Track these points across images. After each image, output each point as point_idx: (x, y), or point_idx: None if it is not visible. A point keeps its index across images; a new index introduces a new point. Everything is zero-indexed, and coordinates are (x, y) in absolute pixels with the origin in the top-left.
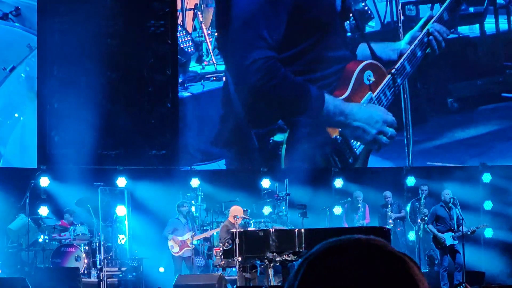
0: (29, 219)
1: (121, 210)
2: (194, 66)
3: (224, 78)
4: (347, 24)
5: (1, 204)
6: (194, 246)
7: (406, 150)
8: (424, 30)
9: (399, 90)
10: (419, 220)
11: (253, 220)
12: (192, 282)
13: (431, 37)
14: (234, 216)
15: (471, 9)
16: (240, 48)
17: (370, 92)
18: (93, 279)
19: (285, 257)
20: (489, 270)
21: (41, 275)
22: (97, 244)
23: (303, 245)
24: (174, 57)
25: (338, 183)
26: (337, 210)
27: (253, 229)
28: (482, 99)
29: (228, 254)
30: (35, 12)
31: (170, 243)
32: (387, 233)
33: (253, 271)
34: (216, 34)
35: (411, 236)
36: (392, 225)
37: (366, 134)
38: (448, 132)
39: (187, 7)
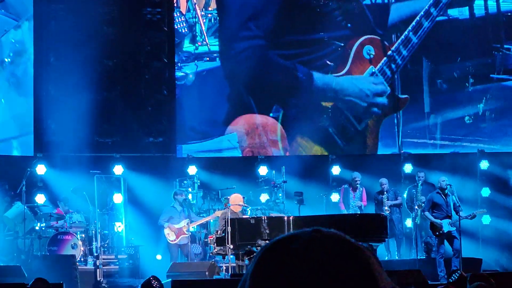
0: (25, 207)
1: (117, 198)
2: (188, 47)
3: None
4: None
5: None
6: (190, 233)
7: (396, 130)
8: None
9: (405, 61)
10: (416, 207)
11: (250, 208)
12: (184, 270)
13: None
14: (226, 204)
15: None
16: (230, 36)
17: (371, 66)
18: (90, 266)
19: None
20: (486, 257)
21: (38, 262)
22: (93, 231)
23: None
24: (171, 44)
25: (335, 170)
26: (334, 197)
27: (246, 216)
28: (471, 80)
29: (221, 241)
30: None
31: (166, 231)
32: (384, 220)
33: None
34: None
35: (408, 223)
36: (388, 212)
37: (359, 107)
38: (438, 112)
39: None
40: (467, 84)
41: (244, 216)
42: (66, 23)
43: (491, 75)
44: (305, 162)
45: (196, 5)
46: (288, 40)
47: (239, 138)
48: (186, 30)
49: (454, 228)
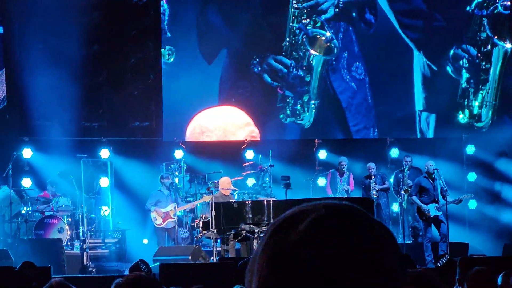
0: (11, 191)
1: (104, 182)
2: None
3: None
4: None
5: None
6: (177, 217)
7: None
8: None
9: None
10: (402, 192)
11: (236, 192)
12: (170, 254)
13: None
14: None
15: None
16: None
17: None
18: (76, 250)
19: (264, 228)
20: (473, 241)
21: (24, 246)
22: (80, 215)
23: (271, 216)
24: (157, 29)
25: (322, 154)
26: (321, 181)
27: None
28: None
29: (207, 226)
30: None
31: (153, 215)
32: (371, 204)
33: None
34: None
35: (395, 207)
36: (375, 197)
37: None
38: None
39: None
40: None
41: (232, 200)
42: (52, 7)
43: None
44: (292, 146)
45: None
46: None
47: None
48: None
49: (441, 213)
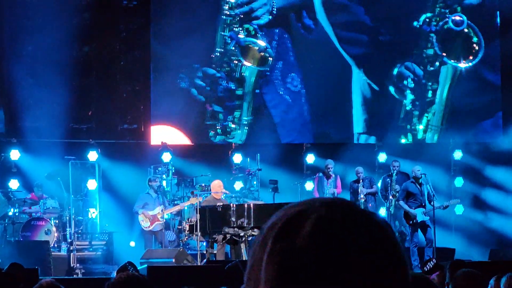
0: None
1: (92, 184)
2: None
3: None
4: None
5: None
6: (164, 220)
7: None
8: None
9: None
10: (390, 197)
11: (224, 195)
12: (157, 256)
13: None
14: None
15: None
16: None
17: None
18: (63, 252)
19: (250, 232)
20: (460, 246)
21: (11, 248)
22: (67, 217)
23: (251, 220)
24: (146, 31)
25: (310, 158)
26: (309, 185)
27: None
28: None
29: (193, 229)
30: None
31: (140, 217)
32: None
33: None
34: None
35: (382, 212)
36: (363, 200)
37: None
38: None
39: None
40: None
41: (225, 202)
42: (42, 9)
43: None
44: (280, 150)
45: None
46: None
47: None
48: None
49: (428, 218)
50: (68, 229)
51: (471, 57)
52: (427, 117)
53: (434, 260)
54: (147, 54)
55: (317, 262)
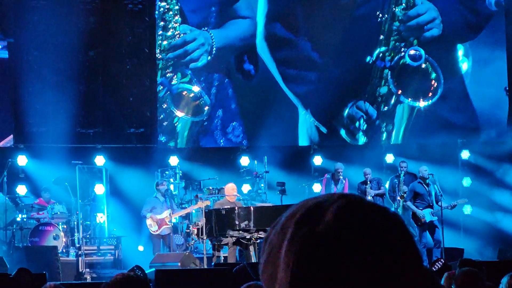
0: (6, 198)
1: (99, 189)
2: None
3: None
4: None
5: None
6: (172, 224)
7: None
8: None
9: None
10: (398, 198)
11: (237, 198)
12: (165, 261)
13: None
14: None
15: None
16: None
17: None
18: (72, 257)
19: (256, 234)
20: (468, 246)
21: (19, 254)
22: (75, 222)
23: (254, 222)
24: (152, 35)
25: (317, 160)
26: (317, 187)
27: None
28: None
29: (200, 232)
30: None
31: (148, 221)
32: None
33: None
34: None
35: None
36: None
37: None
38: None
39: None
40: None
41: (239, 205)
42: (47, 13)
43: None
44: (287, 152)
45: None
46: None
47: None
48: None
49: (436, 218)
50: (76, 234)
51: (430, 95)
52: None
53: (442, 260)
54: (153, 57)
55: (338, 248)
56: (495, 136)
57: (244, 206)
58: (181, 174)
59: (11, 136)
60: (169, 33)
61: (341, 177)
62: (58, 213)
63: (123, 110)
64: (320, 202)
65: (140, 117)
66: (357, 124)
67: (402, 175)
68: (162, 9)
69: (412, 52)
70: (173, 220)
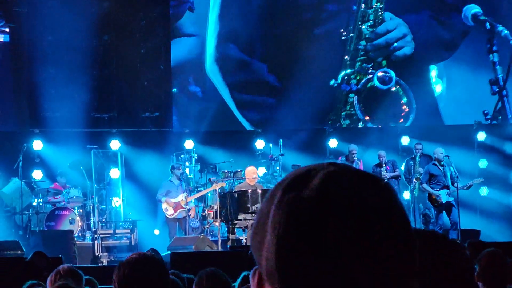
0: (22, 183)
1: (114, 173)
2: None
3: None
4: None
5: None
6: (188, 207)
7: None
8: None
9: None
10: (414, 180)
11: (258, 181)
12: (183, 244)
13: None
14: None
15: None
16: None
17: None
18: (88, 241)
19: None
20: (484, 228)
21: (35, 238)
22: (91, 207)
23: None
24: (166, 19)
25: (333, 143)
26: None
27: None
28: None
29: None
30: None
31: (164, 205)
32: None
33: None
34: None
35: (406, 195)
36: None
37: None
38: None
39: None
40: None
41: (260, 188)
42: None
43: None
44: (303, 135)
45: None
46: None
47: None
48: None
49: (453, 198)
50: (92, 218)
51: (401, 121)
52: None
53: (458, 241)
54: (167, 41)
55: (323, 211)
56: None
57: (265, 188)
58: (196, 158)
59: None
60: None
61: (355, 159)
62: (74, 197)
63: (138, 94)
64: (309, 170)
65: (155, 101)
66: None
67: (417, 157)
68: None
69: (380, 74)
70: (189, 205)
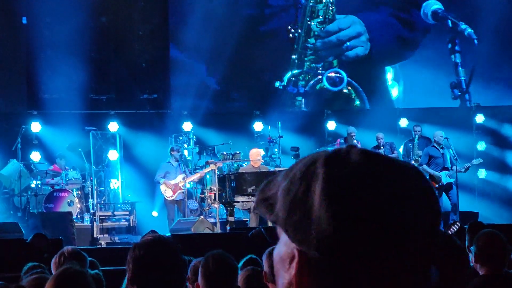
0: (21, 165)
1: (113, 155)
2: None
3: None
4: None
5: None
6: (186, 189)
7: None
8: None
9: None
10: (412, 162)
11: (246, 163)
12: (184, 226)
13: None
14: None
15: None
16: None
17: None
18: (86, 223)
19: None
20: (483, 210)
21: (34, 220)
22: (89, 188)
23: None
24: (165, 0)
25: (331, 125)
26: None
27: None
28: None
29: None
30: None
31: (162, 187)
32: None
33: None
34: None
35: None
36: None
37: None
38: None
39: None
40: None
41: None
42: None
43: None
44: (301, 117)
45: None
46: None
47: None
48: None
49: (453, 179)
50: (90, 200)
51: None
52: None
53: (458, 223)
54: (165, 23)
55: (373, 185)
56: None
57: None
58: (195, 140)
59: None
60: None
61: (354, 141)
62: (73, 179)
63: (136, 76)
64: (336, 150)
65: (153, 82)
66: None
67: (416, 139)
68: None
69: (331, 74)
70: (187, 185)
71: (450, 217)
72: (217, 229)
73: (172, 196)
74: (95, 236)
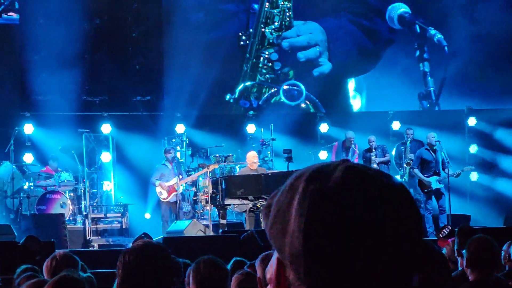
0: (13, 166)
1: (106, 157)
2: None
3: None
4: None
5: None
6: (181, 191)
7: None
8: None
9: None
10: (404, 165)
11: (239, 165)
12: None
13: None
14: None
15: None
16: None
17: None
18: (79, 225)
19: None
20: (475, 213)
21: (26, 222)
22: (82, 190)
23: (247, 190)
24: (159, 2)
25: (324, 127)
26: (323, 154)
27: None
28: None
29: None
30: None
31: (158, 189)
32: None
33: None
34: None
35: None
36: None
37: None
38: None
39: None
40: None
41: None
42: None
43: None
44: (294, 120)
45: None
46: None
47: None
48: None
49: (442, 185)
50: (83, 202)
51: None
52: None
53: (449, 226)
54: (159, 25)
55: (346, 200)
56: None
57: (268, 172)
58: (187, 142)
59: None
60: None
61: (352, 146)
62: (65, 181)
63: (129, 78)
64: (325, 165)
65: (146, 85)
66: None
67: (408, 142)
68: None
69: (287, 87)
70: (181, 188)
71: (439, 220)
72: (210, 232)
73: (167, 198)
74: (87, 238)
